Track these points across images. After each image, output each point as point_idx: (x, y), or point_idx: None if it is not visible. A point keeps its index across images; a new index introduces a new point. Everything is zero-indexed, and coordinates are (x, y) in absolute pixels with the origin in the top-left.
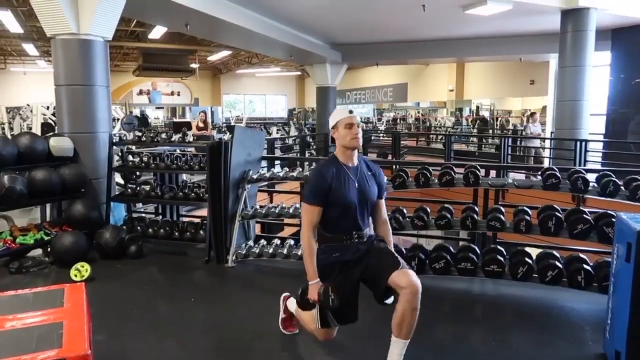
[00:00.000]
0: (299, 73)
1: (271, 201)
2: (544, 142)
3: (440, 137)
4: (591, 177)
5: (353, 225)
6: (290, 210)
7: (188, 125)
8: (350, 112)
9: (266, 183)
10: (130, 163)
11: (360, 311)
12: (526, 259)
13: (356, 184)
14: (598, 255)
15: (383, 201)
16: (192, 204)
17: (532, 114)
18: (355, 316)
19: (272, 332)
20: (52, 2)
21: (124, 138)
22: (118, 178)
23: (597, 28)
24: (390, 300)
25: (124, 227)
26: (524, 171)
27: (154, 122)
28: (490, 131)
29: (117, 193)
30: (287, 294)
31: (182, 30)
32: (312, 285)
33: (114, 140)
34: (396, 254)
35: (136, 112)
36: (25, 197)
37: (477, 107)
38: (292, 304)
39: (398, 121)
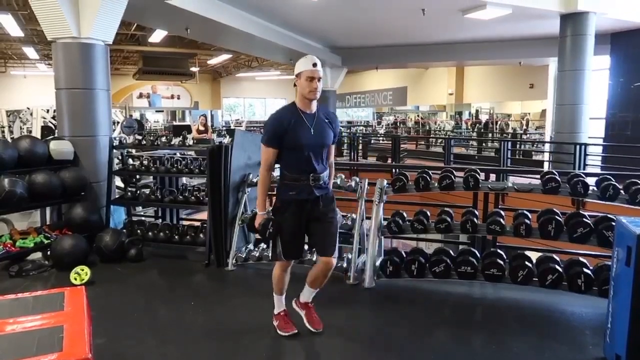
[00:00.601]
0: None
1: (271, 204)
2: None
3: (439, 140)
4: (591, 180)
5: (309, 167)
6: None
7: (188, 129)
8: (315, 64)
9: None
10: (131, 166)
11: (361, 318)
12: (526, 262)
13: (312, 130)
14: (598, 259)
15: (333, 146)
16: (192, 207)
17: None
18: (300, 253)
19: (272, 335)
20: (53, 6)
21: (124, 141)
22: (118, 181)
23: (596, 32)
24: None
25: (124, 230)
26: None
27: (154, 126)
28: (490, 135)
29: (117, 196)
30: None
31: (183, 34)
32: (259, 215)
33: (114, 144)
34: (335, 237)
35: (136, 115)
36: (25, 200)
37: (477, 111)
38: (277, 306)
39: (398, 124)
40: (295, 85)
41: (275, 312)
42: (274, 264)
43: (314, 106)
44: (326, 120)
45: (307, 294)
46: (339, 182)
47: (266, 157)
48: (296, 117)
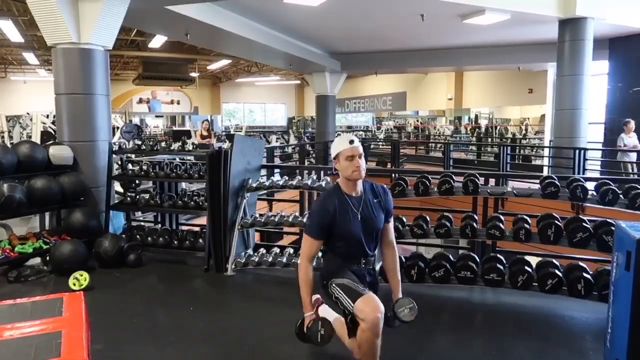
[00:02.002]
0: (299, 82)
1: (270, 210)
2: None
3: (439, 145)
4: (590, 185)
5: (360, 253)
6: (290, 219)
7: (187, 134)
8: (352, 142)
9: (265, 191)
10: (130, 171)
11: None
12: (526, 267)
13: (359, 216)
14: (598, 264)
15: (390, 225)
16: (192, 212)
17: (627, 122)
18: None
19: (272, 340)
20: (53, 12)
21: (124, 146)
22: (117, 186)
23: (594, 37)
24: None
25: (123, 235)
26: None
27: (154, 131)
28: (489, 140)
29: (116, 201)
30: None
31: (182, 40)
32: (307, 316)
33: (114, 149)
34: None
35: (136, 120)
36: (24, 205)
37: (476, 116)
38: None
39: (399, 130)
40: (335, 170)
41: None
42: (272, 269)
43: (360, 187)
44: (375, 200)
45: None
46: None
47: (309, 248)
48: (341, 202)
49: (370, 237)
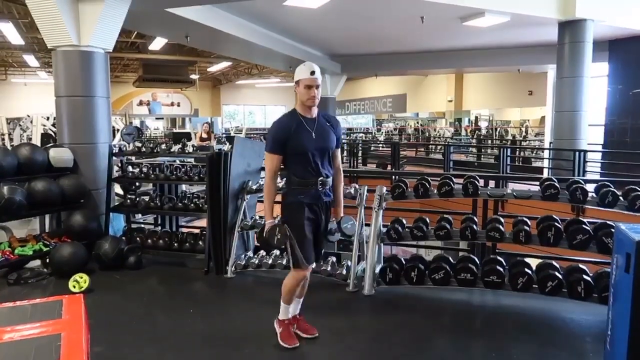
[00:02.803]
0: None
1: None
2: None
3: (439, 147)
4: (590, 187)
5: (315, 171)
6: None
7: (188, 136)
8: (312, 72)
9: None
10: (130, 174)
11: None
12: (526, 269)
13: (313, 135)
14: (598, 266)
15: (338, 151)
16: (192, 214)
17: None
18: (317, 255)
19: (272, 343)
20: (54, 14)
21: (124, 149)
22: (117, 189)
23: (594, 39)
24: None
25: (123, 238)
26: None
27: (154, 133)
28: (490, 141)
29: (116, 204)
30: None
31: (183, 42)
32: (267, 223)
33: (114, 151)
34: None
35: (136, 122)
36: (24, 207)
37: (476, 118)
38: (280, 313)
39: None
40: (295, 91)
41: (280, 317)
42: (273, 272)
43: (314, 111)
44: (328, 124)
45: (294, 307)
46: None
47: (271, 164)
48: (297, 122)
49: (323, 155)
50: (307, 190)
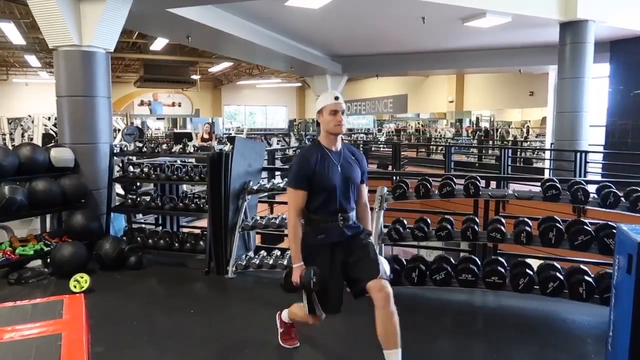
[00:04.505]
0: (300, 84)
1: (271, 212)
2: None
3: (440, 148)
4: (591, 188)
5: (338, 208)
6: None
7: (189, 136)
8: (337, 98)
9: (266, 194)
10: (131, 174)
11: (362, 326)
12: (527, 270)
13: (339, 168)
14: (599, 267)
15: (365, 186)
16: (193, 214)
17: None
18: (338, 305)
19: (273, 344)
20: (55, 14)
21: (125, 149)
22: (118, 189)
23: (595, 40)
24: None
25: (124, 238)
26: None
27: (155, 133)
28: (491, 142)
29: (117, 204)
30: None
31: (184, 42)
32: (296, 267)
33: (115, 151)
34: (376, 259)
35: (137, 123)
36: (25, 207)
37: (477, 119)
38: (285, 313)
39: (400, 133)
40: (318, 124)
41: (284, 318)
42: (274, 272)
43: (339, 143)
44: (353, 157)
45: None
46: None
47: (295, 201)
48: (322, 155)
49: (347, 191)
50: (327, 228)
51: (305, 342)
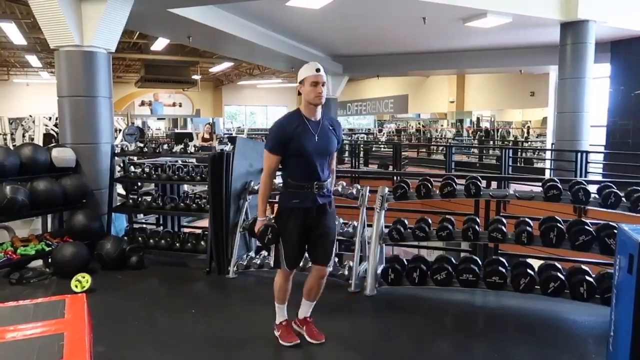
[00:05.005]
0: None
1: (272, 212)
2: None
3: (441, 148)
4: (592, 188)
5: (313, 175)
6: None
7: (190, 136)
8: (318, 70)
9: None
10: (132, 174)
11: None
12: (528, 270)
13: (316, 137)
14: (600, 267)
15: (335, 153)
16: (194, 215)
17: None
18: (299, 261)
19: (274, 344)
20: (56, 15)
21: (126, 149)
22: (119, 189)
23: (596, 40)
24: None
25: (125, 238)
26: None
27: (156, 133)
28: (491, 142)
29: (118, 204)
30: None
31: (185, 42)
32: (259, 220)
33: (116, 151)
34: (333, 243)
35: (138, 123)
36: (26, 207)
37: (478, 119)
38: (278, 316)
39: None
40: (299, 93)
41: (277, 321)
42: (275, 272)
43: (319, 113)
44: (330, 127)
45: (305, 309)
46: (340, 190)
47: (269, 163)
48: (301, 124)
49: (323, 159)
50: (303, 194)
51: (307, 342)
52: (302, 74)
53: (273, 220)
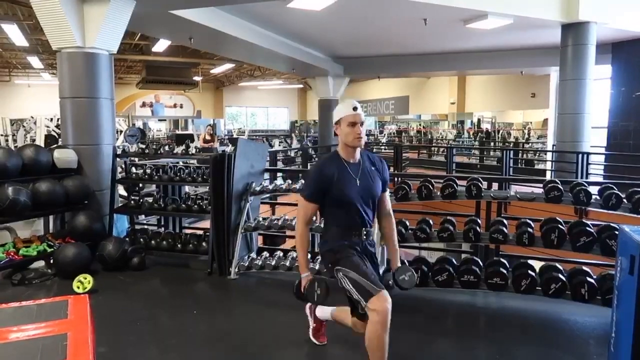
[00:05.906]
0: (301, 86)
1: (273, 213)
2: None
3: (441, 149)
4: (593, 189)
5: (359, 222)
6: (293, 223)
7: (191, 138)
8: (355, 108)
9: (269, 195)
10: (134, 175)
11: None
12: (529, 271)
13: (357, 182)
14: (601, 268)
15: (387, 194)
16: (195, 215)
17: None
18: (381, 280)
19: (275, 344)
20: (59, 16)
21: (128, 150)
22: (121, 190)
23: (597, 42)
24: None
25: (127, 239)
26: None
27: (157, 135)
28: (492, 144)
29: (120, 205)
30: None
31: (186, 44)
32: (303, 277)
33: (118, 152)
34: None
35: (139, 124)
36: (28, 208)
37: (479, 120)
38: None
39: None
40: (335, 134)
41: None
42: (277, 276)
43: (358, 154)
44: (373, 168)
45: (325, 313)
46: None
47: (305, 211)
48: (340, 168)
49: (368, 204)
50: (351, 239)
51: (309, 343)
52: (337, 113)
53: (321, 270)
